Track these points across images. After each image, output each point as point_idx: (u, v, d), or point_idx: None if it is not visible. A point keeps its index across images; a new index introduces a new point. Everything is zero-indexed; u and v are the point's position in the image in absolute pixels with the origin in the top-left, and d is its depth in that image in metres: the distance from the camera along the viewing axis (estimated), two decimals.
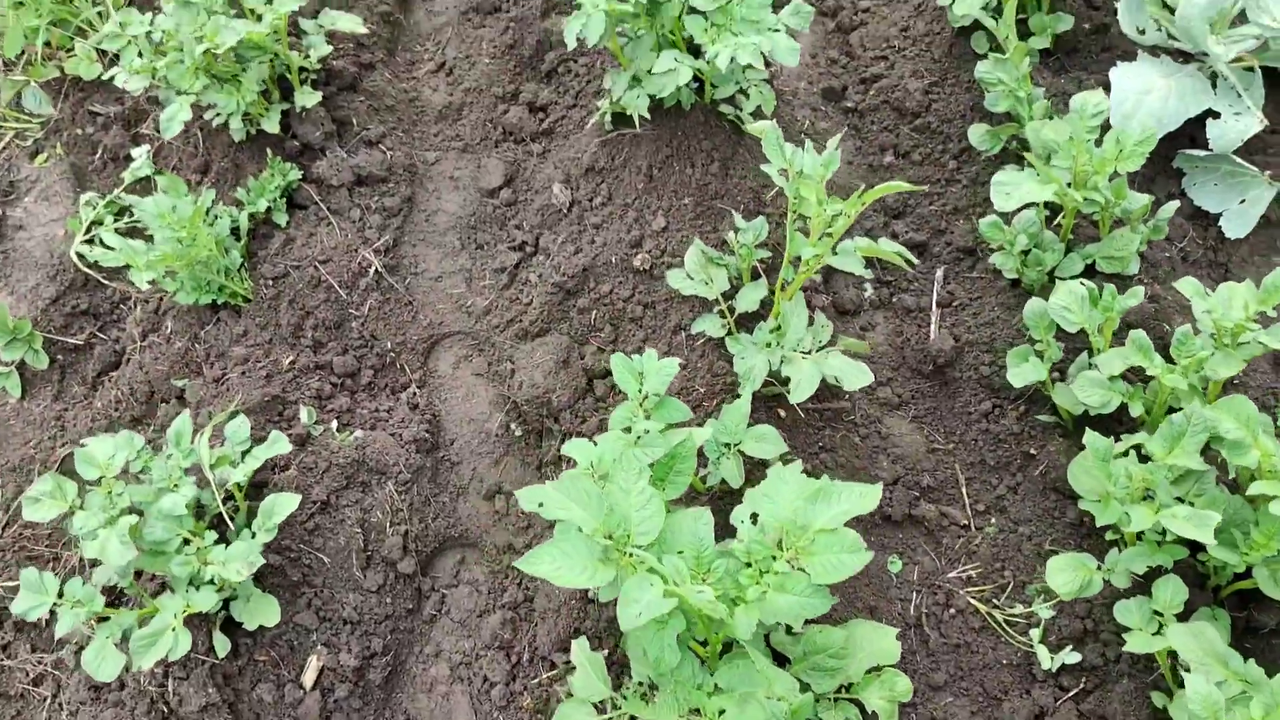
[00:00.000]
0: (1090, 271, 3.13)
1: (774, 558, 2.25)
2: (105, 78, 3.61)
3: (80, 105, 4.12)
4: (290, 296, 3.52)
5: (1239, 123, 3.12)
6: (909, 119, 3.70)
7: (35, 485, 2.87)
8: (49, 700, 3.08)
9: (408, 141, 3.95)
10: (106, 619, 2.82)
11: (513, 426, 3.45)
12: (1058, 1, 3.62)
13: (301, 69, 3.71)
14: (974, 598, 3.03)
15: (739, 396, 3.13)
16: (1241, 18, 3.23)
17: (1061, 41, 3.55)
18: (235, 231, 3.56)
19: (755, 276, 3.24)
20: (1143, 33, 3.31)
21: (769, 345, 2.94)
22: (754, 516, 2.36)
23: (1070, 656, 2.80)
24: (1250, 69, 3.25)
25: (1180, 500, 2.57)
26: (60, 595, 2.77)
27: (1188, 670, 2.39)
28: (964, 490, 3.18)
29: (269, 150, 3.70)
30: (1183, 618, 2.62)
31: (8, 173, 4.09)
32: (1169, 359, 2.73)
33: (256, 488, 3.20)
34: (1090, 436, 2.57)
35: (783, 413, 3.15)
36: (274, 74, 3.66)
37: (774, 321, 2.96)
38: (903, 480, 3.20)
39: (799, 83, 3.90)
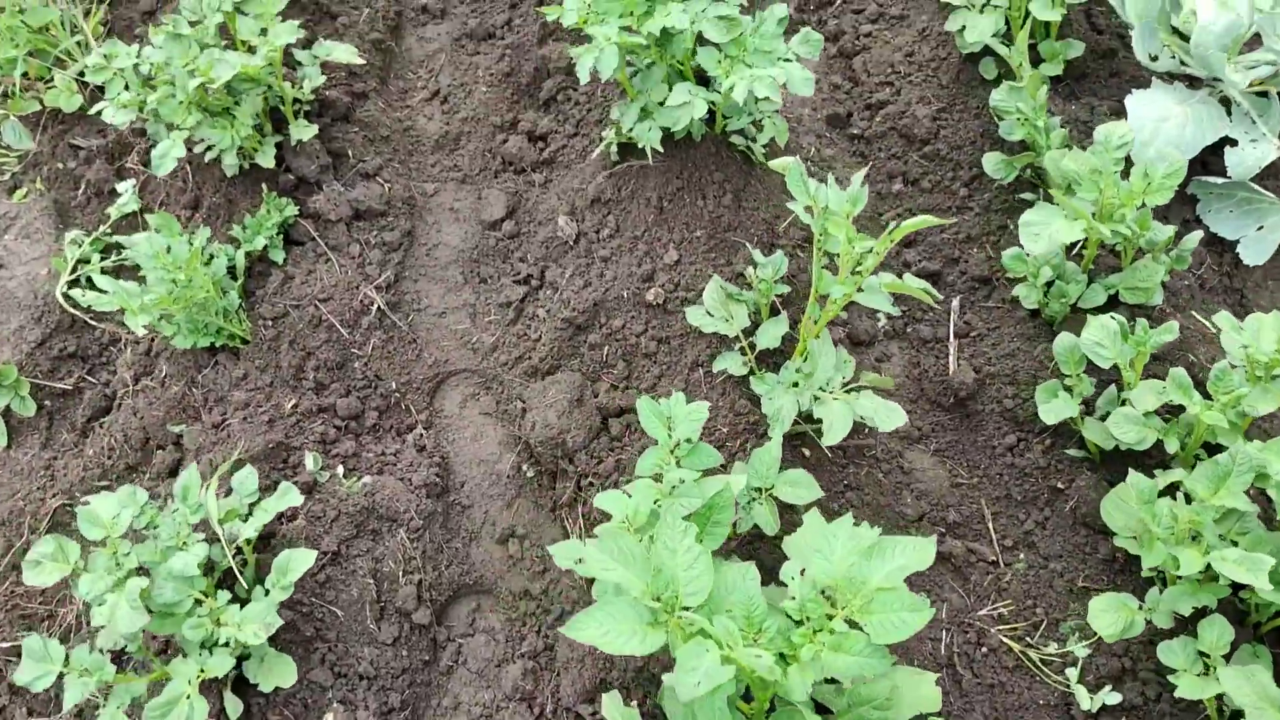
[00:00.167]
0: (1113, 302, 3.10)
1: (829, 616, 2.18)
2: (94, 112, 3.46)
3: (61, 138, 3.97)
4: (291, 337, 3.41)
5: (1256, 150, 3.10)
6: (917, 146, 3.65)
7: (36, 548, 2.73)
8: None
9: (405, 173, 3.84)
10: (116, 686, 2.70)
11: (524, 468, 3.36)
12: (1062, 27, 3.60)
13: (294, 100, 3.59)
14: (1006, 636, 2.98)
15: (762, 436, 3.07)
16: (1254, 41, 3.22)
17: (1071, 67, 3.53)
18: (231, 270, 3.43)
19: (774, 312, 3.17)
20: (1154, 59, 3.29)
21: (796, 385, 2.87)
22: (802, 571, 2.29)
23: (1110, 697, 2.76)
24: (1264, 94, 3.24)
25: (1221, 538, 2.54)
26: (66, 662, 2.64)
27: (1240, 716, 2.36)
28: (990, 525, 3.13)
29: (263, 185, 3.58)
30: (1225, 656, 2.59)
31: None
32: (1203, 393, 2.70)
33: (263, 539, 3.08)
34: (1134, 478, 2.53)
35: (807, 451, 3.09)
36: (267, 106, 3.54)
37: (800, 360, 2.89)
38: (928, 516, 3.14)
39: (802, 109, 3.85)
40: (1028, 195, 3.38)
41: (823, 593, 2.25)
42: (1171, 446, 2.72)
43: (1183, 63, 3.27)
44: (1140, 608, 2.71)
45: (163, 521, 2.77)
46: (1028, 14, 3.34)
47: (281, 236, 3.52)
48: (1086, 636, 2.90)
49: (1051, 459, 3.12)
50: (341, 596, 3.06)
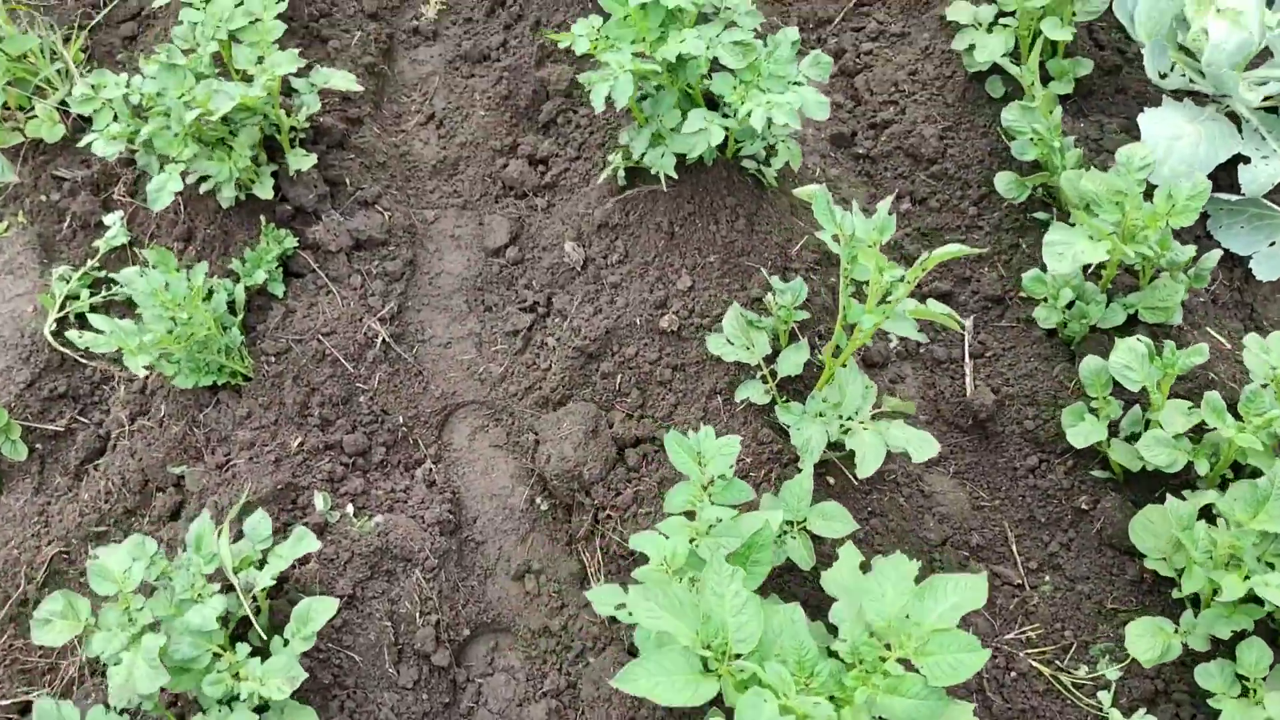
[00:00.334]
0: (1132, 321, 3.09)
1: (882, 658, 2.14)
2: (84, 144, 3.34)
3: (43, 169, 3.84)
4: (294, 373, 3.31)
5: (1269, 166, 3.11)
6: (925, 165, 3.63)
7: (44, 605, 2.63)
8: None
9: (404, 200, 3.76)
10: None
11: (538, 501, 3.29)
12: (1067, 44, 3.59)
13: (290, 128, 3.49)
14: (1036, 660, 2.96)
15: (786, 465, 3.03)
16: (1259, 56, 3.23)
17: (1078, 85, 3.52)
18: (231, 306, 3.33)
19: (793, 338, 3.13)
20: (1164, 76, 3.30)
21: (823, 415, 2.83)
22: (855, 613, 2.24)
23: None
24: (1273, 110, 3.25)
25: (1259, 561, 2.53)
26: None
27: None
28: (1014, 548, 3.11)
29: (260, 216, 3.48)
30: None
31: None
32: (1233, 414, 2.70)
33: (276, 583, 2.98)
34: (1172, 503, 2.52)
35: (831, 479, 3.05)
36: (263, 135, 3.44)
37: (829, 389, 2.85)
38: (951, 540, 3.12)
39: (805, 129, 3.81)
40: (1041, 215, 3.37)
41: (872, 634, 2.21)
42: (1203, 469, 2.72)
43: (1191, 80, 3.28)
44: (1175, 631, 2.70)
45: (176, 573, 2.66)
46: (1039, 33, 3.33)
47: (281, 269, 3.42)
48: (1117, 659, 2.89)
49: (1075, 480, 3.11)
50: (359, 641, 2.97)
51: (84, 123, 3.84)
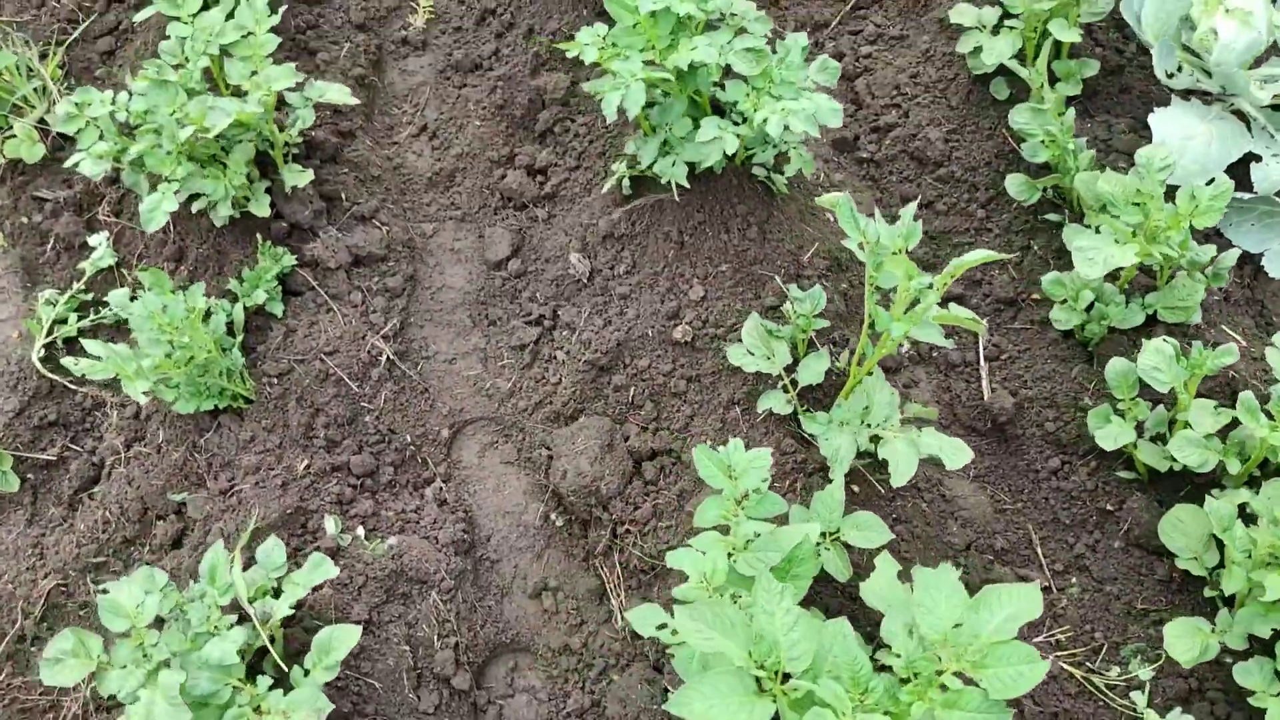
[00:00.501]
0: (1150, 321, 3.08)
1: (940, 672, 2.09)
2: (70, 164, 3.22)
3: (23, 190, 3.71)
4: (297, 394, 3.21)
5: (1279, 165, 3.12)
6: (930, 169, 3.60)
7: (54, 644, 2.52)
8: None
9: (401, 214, 3.67)
10: None
11: (553, 517, 3.22)
12: (1070, 44, 3.58)
13: (284, 143, 3.40)
14: (1066, 663, 2.93)
15: (810, 474, 2.98)
16: (1265, 53, 3.24)
17: (1083, 86, 3.51)
18: (229, 327, 3.22)
19: (811, 346, 3.09)
20: (1170, 76, 3.30)
21: (850, 424, 2.79)
22: (907, 628, 2.19)
23: (1182, 719, 2.72)
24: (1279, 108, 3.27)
25: None
26: None
27: None
28: (1039, 551, 3.08)
29: (255, 234, 3.38)
30: None
31: None
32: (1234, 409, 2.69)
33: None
34: (1211, 504, 2.51)
35: (856, 487, 3.00)
36: (256, 152, 3.34)
37: (854, 397, 2.81)
38: (975, 545, 3.08)
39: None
40: (1053, 216, 3.35)
41: (925, 647, 2.17)
42: (1234, 468, 2.70)
43: (1198, 80, 3.28)
44: (1212, 630, 2.68)
45: (190, 606, 2.56)
46: (1046, 35, 3.31)
47: (279, 288, 3.32)
48: (1149, 659, 2.87)
49: (1098, 481, 3.08)
50: (378, 667, 2.88)
51: (64, 141, 3.72)
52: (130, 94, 3.22)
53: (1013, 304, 3.39)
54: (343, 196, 3.55)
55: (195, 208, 3.27)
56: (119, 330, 3.48)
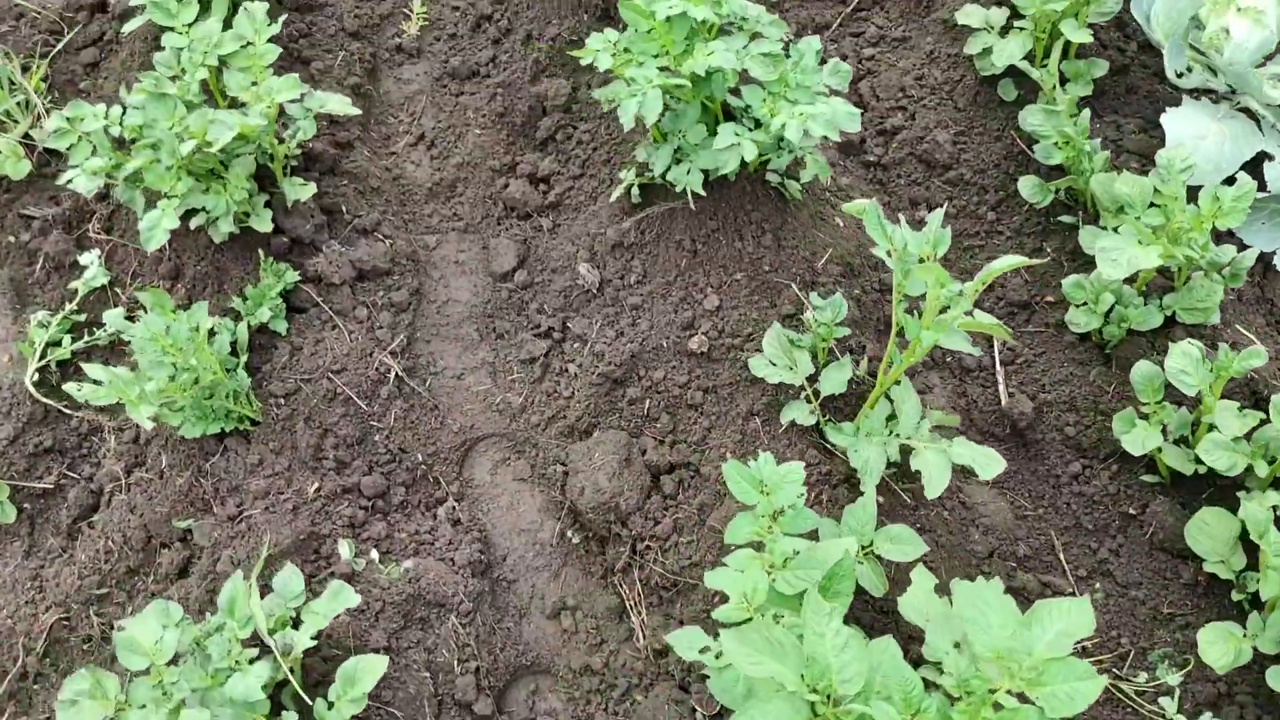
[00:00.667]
0: (1169, 323, 3.06)
1: (993, 690, 2.05)
2: (64, 182, 3.11)
3: (9, 208, 3.59)
4: (305, 414, 3.13)
5: None
6: (939, 171, 3.57)
7: (69, 685, 2.42)
8: None
9: (402, 226, 3.59)
10: None
11: (569, 534, 3.15)
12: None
13: (284, 155, 3.31)
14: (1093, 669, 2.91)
15: (836, 486, 2.94)
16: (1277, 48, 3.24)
17: (1092, 85, 3.49)
18: (233, 346, 3.13)
19: (832, 355, 3.05)
20: (1180, 75, 3.29)
21: (879, 434, 2.75)
22: (956, 645, 2.16)
23: None
24: None
25: None
26: None
27: None
28: (1062, 556, 3.06)
29: (255, 249, 3.29)
30: None
31: None
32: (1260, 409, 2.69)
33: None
34: (1247, 509, 2.49)
35: (881, 498, 2.96)
36: (256, 164, 3.25)
37: (884, 407, 2.77)
38: (998, 552, 3.05)
39: None
40: (1067, 218, 3.33)
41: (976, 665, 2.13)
42: (1261, 471, 2.69)
43: (1207, 79, 3.27)
44: (1244, 635, 2.67)
45: (209, 641, 2.47)
46: (1057, 35, 3.29)
47: (283, 305, 3.23)
48: (1177, 664, 2.85)
49: (1120, 485, 3.07)
50: (398, 695, 2.81)
51: (50, 157, 3.61)
52: (124, 107, 3.12)
53: (1027, 307, 3.37)
54: (343, 209, 3.47)
55: (193, 224, 3.18)
56: (113, 351, 3.38)
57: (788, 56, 2.99)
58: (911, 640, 2.73)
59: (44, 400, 3.27)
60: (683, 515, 3.02)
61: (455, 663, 2.90)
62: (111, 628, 3.01)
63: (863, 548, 2.63)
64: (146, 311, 3.03)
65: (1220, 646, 2.62)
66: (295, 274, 3.25)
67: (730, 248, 3.21)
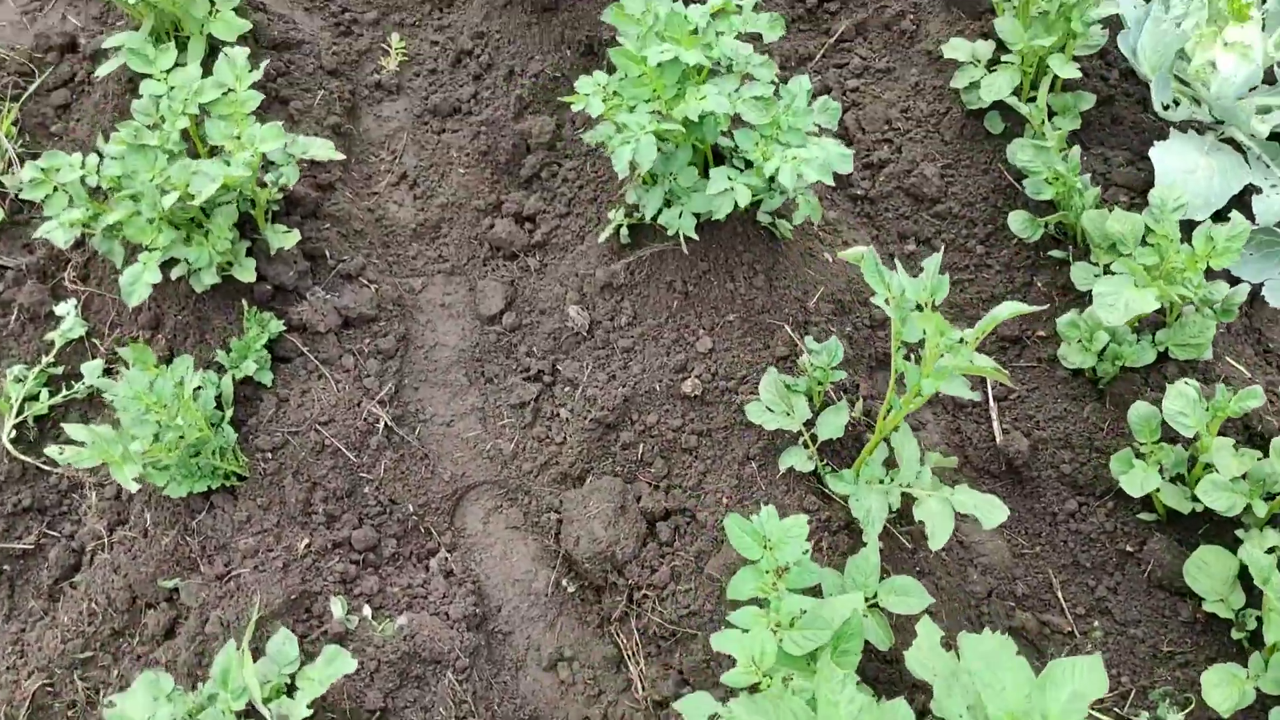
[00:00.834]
0: (1162, 358, 3.06)
1: None
2: (40, 235, 3.03)
3: None
4: (293, 468, 3.06)
5: (1279, 196, 3.13)
6: (927, 205, 3.56)
7: None
8: None
9: (387, 269, 3.53)
10: None
11: (564, 583, 3.11)
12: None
13: (266, 201, 3.24)
14: (1094, 709, 2.90)
15: (836, 533, 2.91)
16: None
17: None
18: (219, 400, 3.07)
19: (827, 399, 3.02)
20: (1166, 108, 3.29)
21: (880, 482, 2.73)
22: (968, 708, 2.13)
23: None
24: (1275, 137, 3.27)
25: None
26: None
27: None
28: (1060, 595, 3.05)
29: (238, 298, 3.22)
30: None
31: None
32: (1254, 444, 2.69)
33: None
34: (1249, 554, 2.49)
35: (880, 543, 2.94)
36: (239, 213, 3.18)
37: (882, 449, 2.75)
38: (996, 591, 3.04)
39: None
40: (1057, 253, 3.33)
41: None
42: (1260, 510, 2.69)
43: (1193, 110, 3.28)
44: (1246, 676, 2.67)
45: (203, 716, 2.41)
46: (1045, 70, 3.29)
47: (268, 355, 3.17)
48: (1179, 703, 2.85)
49: (1117, 522, 3.06)
50: None
51: (23, 204, 3.53)
52: (101, 156, 3.05)
53: (1018, 341, 3.36)
54: (327, 254, 3.41)
55: (174, 274, 3.11)
56: (92, 405, 3.30)
57: (779, 98, 2.97)
58: (917, 690, 2.71)
59: (22, 458, 3.18)
60: (680, 563, 2.99)
61: None
62: (97, 692, 2.94)
63: (867, 600, 2.60)
64: (127, 366, 2.96)
65: (1224, 689, 2.61)
66: (280, 323, 3.19)
67: (722, 289, 3.18)
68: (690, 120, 2.84)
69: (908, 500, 2.78)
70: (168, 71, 3.11)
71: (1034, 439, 3.18)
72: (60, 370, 3.32)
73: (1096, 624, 3.01)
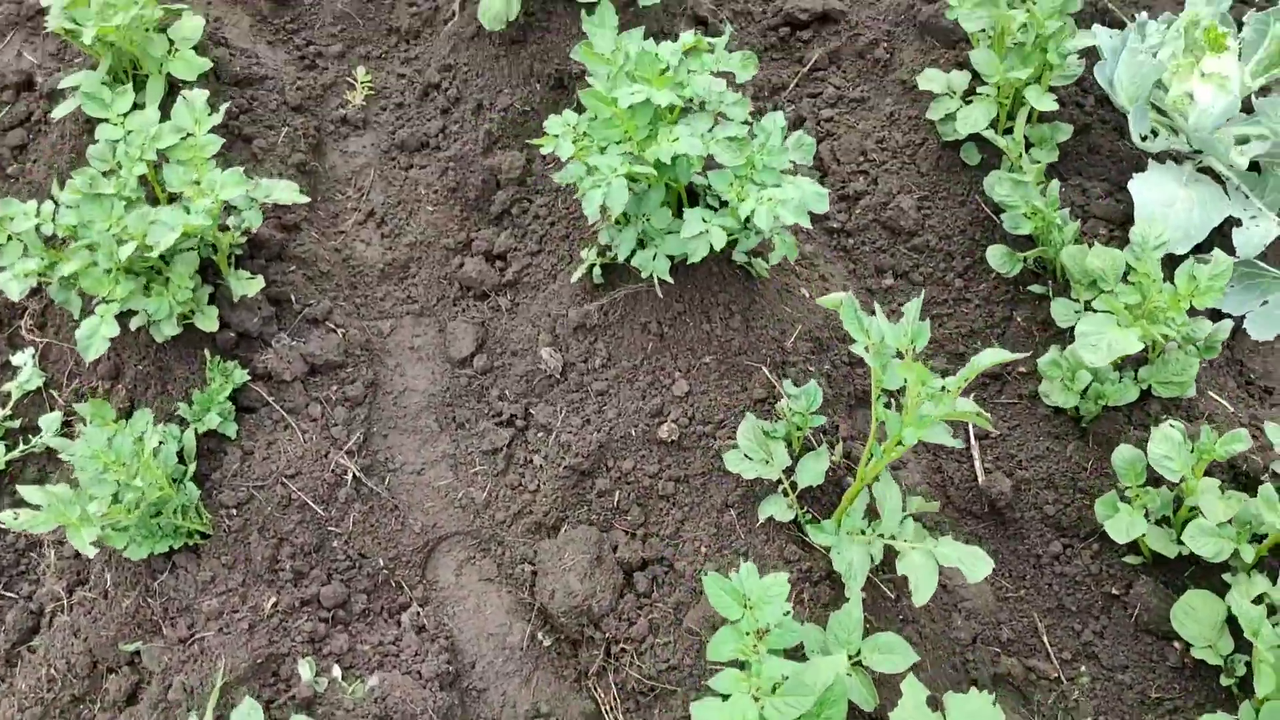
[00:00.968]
0: (1145, 396, 3.01)
1: None
2: None
3: None
4: (259, 524, 2.97)
5: (1260, 228, 3.09)
6: (904, 238, 3.50)
7: None
8: None
9: (354, 311, 3.44)
10: None
11: (540, 636, 3.03)
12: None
13: (228, 244, 3.15)
14: None
15: (818, 584, 2.84)
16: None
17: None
18: (181, 454, 2.97)
19: (806, 445, 2.96)
20: (1144, 139, 3.25)
21: (861, 533, 2.66)
22: None
23: None
24: (1255, 167, 3.24)
25: None
26: None
27: None
28: (1045, 639, 3.00)
29: (200, 346, 3.12)
30: None
31: None
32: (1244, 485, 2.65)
33: None
34: (1239, 605, 2.44)
35: (863, 594, 2.87)
36: (200, 259, 3.09)
37: (864, 496, 2.68)
38: (980, 637, 2.98)
39: None
40: (1036, 288, 3.28)
41: None
42: (1247, 556, 2.64)
43: (1170, 140, 3.24)
44: None
45: None
46: (1022, 102, 3.24)
47: (232, 407, 3.07)
48: None
49: (1102, 565, 3.01)
50: None
51: None
52: (56, 204, 2.95)
53: (998, 378, 3.31)
54: (292, 298, 3.32)
55: (134, 324, 3.01)
56: (51, 459, 3.20)
57: (753, 136, 2.90)
58: None
59: None
60: (658, 615, 2.91)
61: None
62: None
63: (850, 658, 2.54)
64: (86, 422, 2.86)
65: None
66: (244, 372, 3.10)
67: (698, 330, 3.12)
68: (663, 162, 2.77)
69: (891, 550, 2.71)
70: (125, 115, 3.03)
71: (1016, 479, 3.12)
72: (18, 424, 3.21)
73: (1083, 669, 2.96)
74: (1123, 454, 2.78)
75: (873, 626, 2.83)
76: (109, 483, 2.72)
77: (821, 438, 3.04)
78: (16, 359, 3.24)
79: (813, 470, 2.83)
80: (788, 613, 2.36)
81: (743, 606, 2.41)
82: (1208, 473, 2.88)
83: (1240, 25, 3.45)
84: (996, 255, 3.25)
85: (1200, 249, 3.19)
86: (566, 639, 3.00)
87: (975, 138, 3.47)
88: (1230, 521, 2.69)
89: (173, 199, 3.08)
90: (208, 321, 3.02)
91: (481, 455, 3.23)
